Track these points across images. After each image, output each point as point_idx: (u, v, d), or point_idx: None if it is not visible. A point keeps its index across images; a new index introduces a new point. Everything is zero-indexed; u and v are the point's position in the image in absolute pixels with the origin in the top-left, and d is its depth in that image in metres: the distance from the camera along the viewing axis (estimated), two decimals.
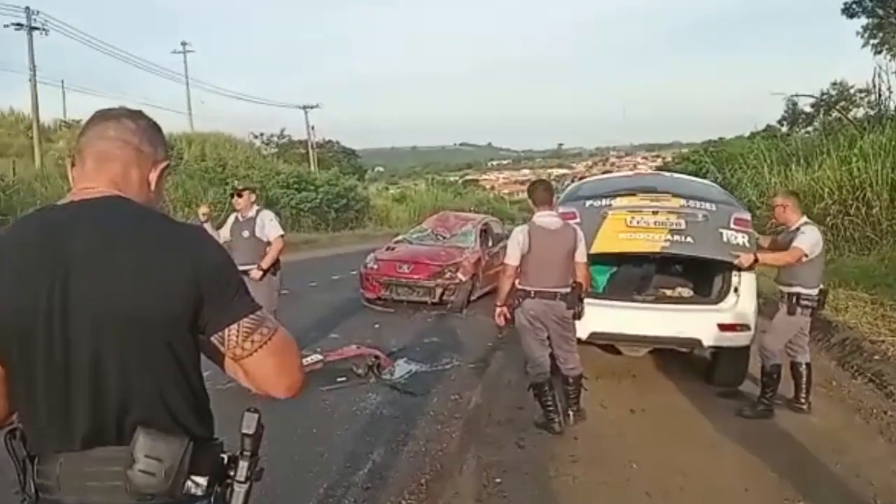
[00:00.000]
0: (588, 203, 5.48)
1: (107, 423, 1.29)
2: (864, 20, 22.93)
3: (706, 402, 5.63)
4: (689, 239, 5.15)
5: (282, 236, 6.23)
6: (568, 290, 4.71)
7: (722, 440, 4.74)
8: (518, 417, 5.15)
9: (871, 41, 23.25)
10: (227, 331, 1.35)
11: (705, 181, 7.00)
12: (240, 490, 1.38)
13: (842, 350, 7.34)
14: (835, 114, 24.50)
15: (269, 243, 6.16)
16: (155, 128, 1.51)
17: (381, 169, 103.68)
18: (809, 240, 5.05)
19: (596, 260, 5.73)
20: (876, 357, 6.73)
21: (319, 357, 6.23)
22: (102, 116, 1.44)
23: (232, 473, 1.39)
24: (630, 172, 7.05)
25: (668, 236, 5.18)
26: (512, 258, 4.66)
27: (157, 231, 1.35)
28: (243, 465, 1.40)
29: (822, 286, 5.21)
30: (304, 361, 6.09)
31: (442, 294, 9.86)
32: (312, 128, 40.27)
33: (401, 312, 9.67)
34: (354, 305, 10.19)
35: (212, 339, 1.36)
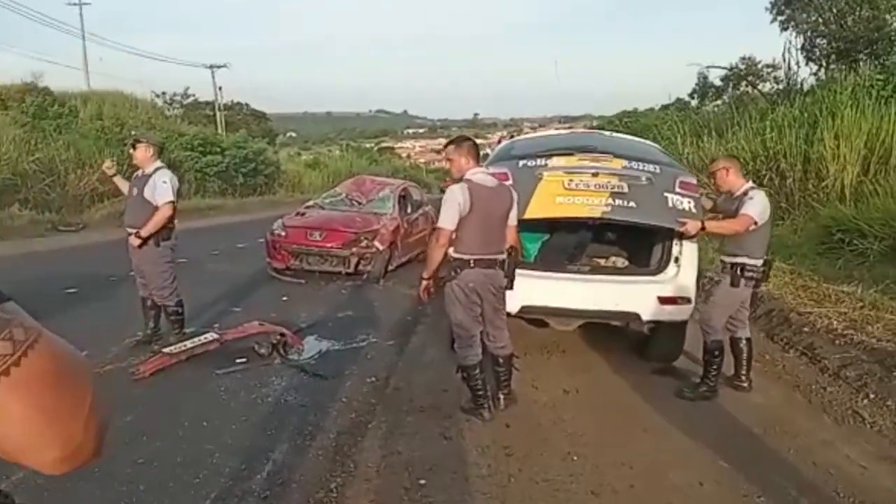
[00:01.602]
0: (521, 163, 4.89)
1: None
2: None
3: (641, 380, 5.26)
4: (632, 204, 4.66)
5: (171, 203, 5.38)
6: (504, 257, 4.16)
7: (665, 425, 4.34)
8: (443, 402, 4.59)
9: (779, 17, 23.74)
10: None
11: (645, 141, 6.53)
12: None
13: (769, 322, 7.18)
14: (743, 87, 25.21)
15: (156, 208, 5.34)
16: None
17: (293, 134, 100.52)
18: (758, 206, 4.68)
19: (526, 226, 5.19)
20: (805, 329, 6.57)
21: (216, 336, 5.46)
22: None
23: None
24: (565, 130, 6.45)
25: (610, 200, 4.67)
26: (448, 221, 3.99)
27: None
28: None
29: (767, 257, 4.88)
30: (198, 340, 5.36)
31: (357, 264, 9.16)
32: (220, 88, 38.23)
33: (312, 284, 8.89)
34: (260, 277, 9.33)
35: None
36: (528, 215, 4.59)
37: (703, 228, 4.67)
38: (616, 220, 4.76)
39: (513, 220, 4.22)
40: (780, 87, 20.63)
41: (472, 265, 4.05)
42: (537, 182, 4.72)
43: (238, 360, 5.29)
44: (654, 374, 5.41)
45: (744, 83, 25.45)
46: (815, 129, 12.26)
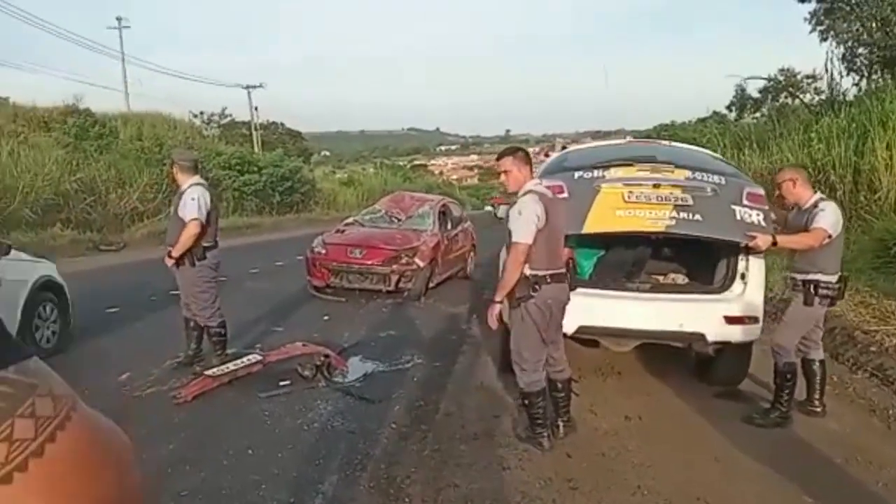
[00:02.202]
0: (577, 175, 4.64)
1: None
2: (813, 4, 22.87)
3: (705, 404, 4.95)
4: (697, 217, 4.38)
5: (197, 220, 5.23)
6: (565, 271, 3.93)
7: (736, 455, 4.02)
8: (496, 429, 4.35)
9: (818, 27, 23.21)
10: None
11: (705, 150, 6.23)
12: None
13: (832, 340, 6.77)
14: (783, 99, 24.72)
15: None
16: None
17: (327, 153, 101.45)
18: (830, 218, 4.37)
19: (581, 241, 4.94)
20: (872, 349, 6.20)
21: (259, 357, 5.29)
22: None
23: None
24: (622, 140, 6.18)
25: (674, 213, 4.39)
26: (527, 235, 3.70)
27: None
28: None
29: (841, 273, 4.55)
30: (241, 362, 5.19)
31: (398, 281, 8.95)
32: (256, 108, 38.64)
33: (353, 302, 8.72)
34: (301, 295, 9.19)
35: None
36: (586, 230, 4.35)
37: (774, 243, 4.37)
38: (681, 235, 4.47)
39: None
40: (822, 97, 20.17)
41: (549, 281, 3.79)
42: (595, 194, 4.47)
43: (282, 383, 5.11)
44: (717, 398, 5.10)
45: (783, 94, 25.00)
46: (864, 140, 11.86)
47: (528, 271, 3.76)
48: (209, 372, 5.02)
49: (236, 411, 4.57)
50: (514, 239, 3.72)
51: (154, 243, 12.91)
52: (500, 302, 3.89)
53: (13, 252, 5.54)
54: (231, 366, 5.11)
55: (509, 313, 3.95)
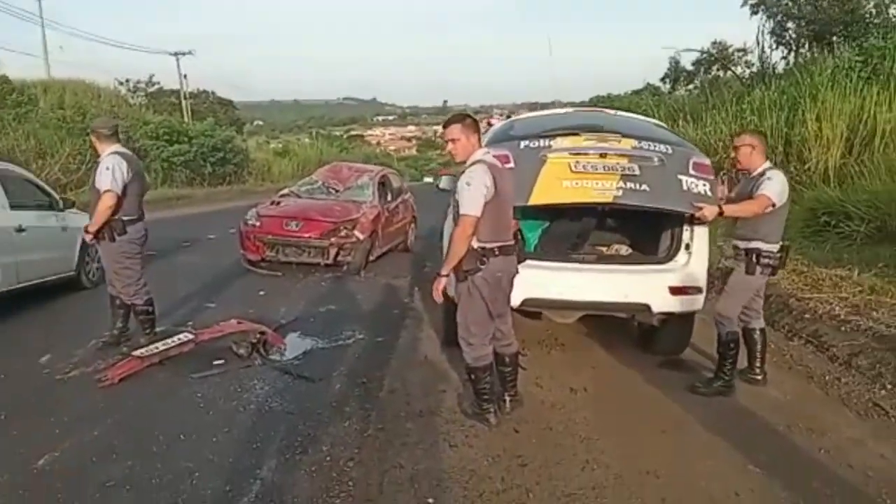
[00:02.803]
0: (523, 144, 4.49)
1: None
2: None
3: (649, 375, 4.97)
4: (644, 187, 4.31)
5: (111, 191, 4.86)
6: (513, 243, 3.80)
7: (682, 426, 4.04)
8: (442, 405, 4.23)
9: (749, 1, 23.66)
10: None
11: (651, 119, 6.16)
12: None
13: (767, 308, 6.89)
14: (715, 71, 25.27)
15: None
16: None
17: (260, 122, 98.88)
18: (776, 187, 4.37)
19: (526, 213, 4.82)
20: (807, 316, 6.37)
21: (190, 336, 5.01)
22: None
23: None
24: (568, 109, 6.03)
25: (621, 184, 4.30)
26: (476, 207, 3.52)
27: None
28: None
29: (783, 242, 4.58)
30: (171, 342, 4.89)
31: (337, 254, 8.69)
32: (185, 76, 37.22)
33: (289, 276, 8.43)
34: (234, 269, 8.84)
35: None
36: (533, 201, 4.22)
37: (720, 213, 4.34)
38: (628, 206, 4.39)
39: None
40: (752, 70, 20.68)
41: (497, 254, 3.64)
42: (541, 165, 4.34)
43: (215, 363, 4.86)
44: (661, 368, 5.12)
45: (716, 67, 25.55)
46: (794, 112, 12.16)
47: (475, 244, 3.60)
48: (137, 352, 4.73)
49: (167, 394, 4.31)
50: (462, 211, 3.55)
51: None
52: (447, 276, 3.73)
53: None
54: (160, 345, 4.83)
55: (455, 287, 3.80)
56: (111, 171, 4.89)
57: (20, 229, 6.38)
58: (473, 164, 3.61)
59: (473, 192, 3.51)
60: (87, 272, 7.51)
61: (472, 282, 3.66)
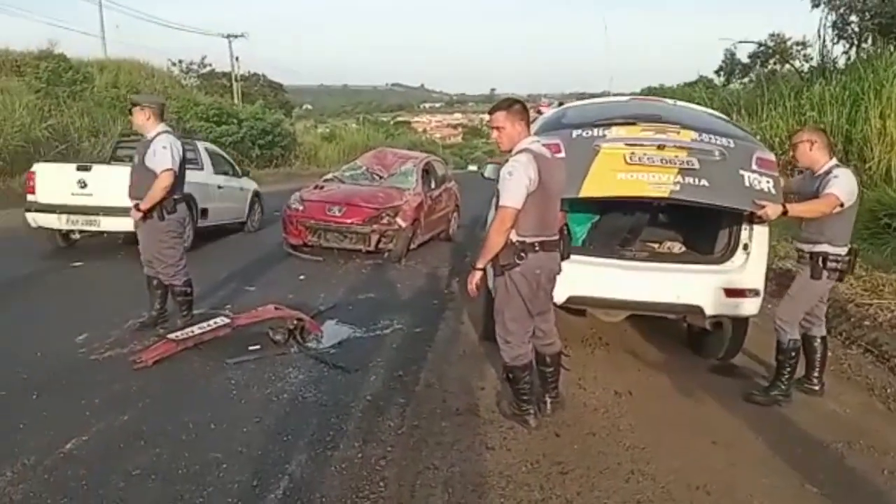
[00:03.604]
0: (576, 133, 4.26)
1: None
2: None
3: (699, 379, 4.72)
4: (703, 182, 4.04)
5: (171, 170, 4.85)
6: (558, 237, 3.59)
7: (734, 436, 3.78)
8: (480, 403, 4.06)
9: None
10: None
11: (713, 111, 5.85)
12: None
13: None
14: (772, 65, 24.45)
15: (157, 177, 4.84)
16: None
17: (309, 107, 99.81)
18: (845, 185, 4.06)
19: (574, 205, 4.59)
20: (866, 323, 6.03)
21: (227, 320, 4.93)
22: None
23: None
24: (624, 97, 5.75)
25: (679, 178, 4.04)
26: (516, 199, 3.33)
27: None
28: None
29: (851, 245, 4.27)
30: (207, 325, 4.81)
31: (378, 241, 8.59)
32: (237, 59, 37.58)
33: (330, 262, 8.36)
34: (277, 253, 8.83)
35: None
36: (584, 193, 3.99)
37: (784, 213, 4.06)
38: (686, 201, 4.13)
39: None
40: (811, 64, 19.89)
41: (537, 249, 3.44)
42: (594, 155, 4.10)
43: (251, 348, 4.78)
44: (711, 373, 4.87)
45: (773, 60, 24.71)
46: (857, 108, 11.62)
47: (514, 237, 3.41)
48: (172, 336, 4.67)
49: (200, 379, 4.24)
50: (501, 202, 3.35)
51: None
52: (482, 269, 3.55)
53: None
54: (196, 329, 4.76)
55: (493, 281, 3.62)
56: (168, 150, 4.85)
57: (220, 186, 10.00)
58: (519, 153, 3.41)
59: (515, 184, 3.31)
60: (251, 221, 11.37)
61: (509, 277, 3.47)
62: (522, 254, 3.42)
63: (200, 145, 10.19)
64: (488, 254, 3.45)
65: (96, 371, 4.26)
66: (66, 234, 8.29)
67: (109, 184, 7.42)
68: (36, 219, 7.90)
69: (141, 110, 5.00)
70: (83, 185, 7.70)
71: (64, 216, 7.75)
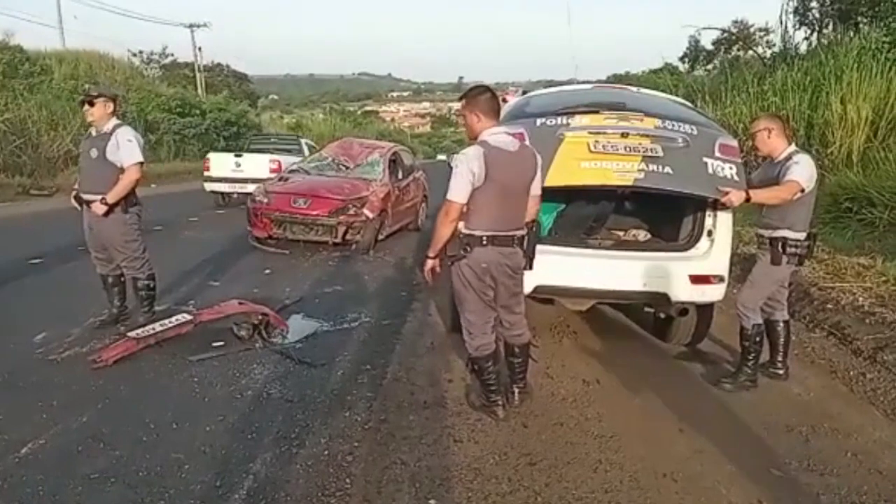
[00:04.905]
0: (539, 121, 4.23)
1: None
2: None
3: (665, 367, 4.78)
4: (667, 169, 4.05)
5: (140, 164, 4.76)
6: (524, 232, 3.56)
7: (701, 423, 3.80)
8: (448, 395, 4.04)
9: None
10: None
11: (676, 98, 5.86)
12: None
13: (788, 298, 6.70)
14: (735, 51, 24.78)
15: (122, 170, 4.70)
16: None
17: (275, 97, 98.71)
18: (805, 171, 4.10)
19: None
20: (829, 306, 6.11)
21: (189, 317, 4.83)
22: None
23: None
24: (588, 85, 5.73)
25: (643, 165, 4.04)
26: (459, 193, 3.33)
27: None
28: None
29: (811, 229, 4.32)
30: (169, 322, 4.71)
31: (345, 233, 8.49)
32: (199, 49, 36.89)
33: (296, 255, 8.26)
34: (242, 246, 8.69)
35: None
36: (548, 183, 3.96)
37: (747, 199, 4.08)
38: (650, 189, 4.13)
39: (536, 189, 3.59)
40: (774, 51, 20.20)
41: (484, 243, 3.41)
42: (558, 144, 4.08)
43: (214, 344, 4.69)
44: (677, 360, 4.92)
45: (736, 47, 25.06)
46: (818, 94, 11.80)
47: (462, 230, 3.42)
48: (133, 333, 4.56)
49: (161, 378, 4.14)
50: (446, 195, 3.36)
51: None
52: (434, 258, 3.56)
53: None
54: (157, 326, 4.66)
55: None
56: (134, 143, 4.76)
57: None
58: (473, 145, 3.38)
59: (457, 178, 3.31)
60: None
61: (458, 268, 3.49)
62: (468, 247, 3.43)
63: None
64: (436, 244, 3.49)
65: (54, 371, 4.14)
66: (223, 196, 13.48)
67: (252, 165, 13.03)
68: (209, 186, 13.26)
69: (104, 103, 4.84)
70: (238, 165, 13.15)
71: (226, 184, 13.18)
